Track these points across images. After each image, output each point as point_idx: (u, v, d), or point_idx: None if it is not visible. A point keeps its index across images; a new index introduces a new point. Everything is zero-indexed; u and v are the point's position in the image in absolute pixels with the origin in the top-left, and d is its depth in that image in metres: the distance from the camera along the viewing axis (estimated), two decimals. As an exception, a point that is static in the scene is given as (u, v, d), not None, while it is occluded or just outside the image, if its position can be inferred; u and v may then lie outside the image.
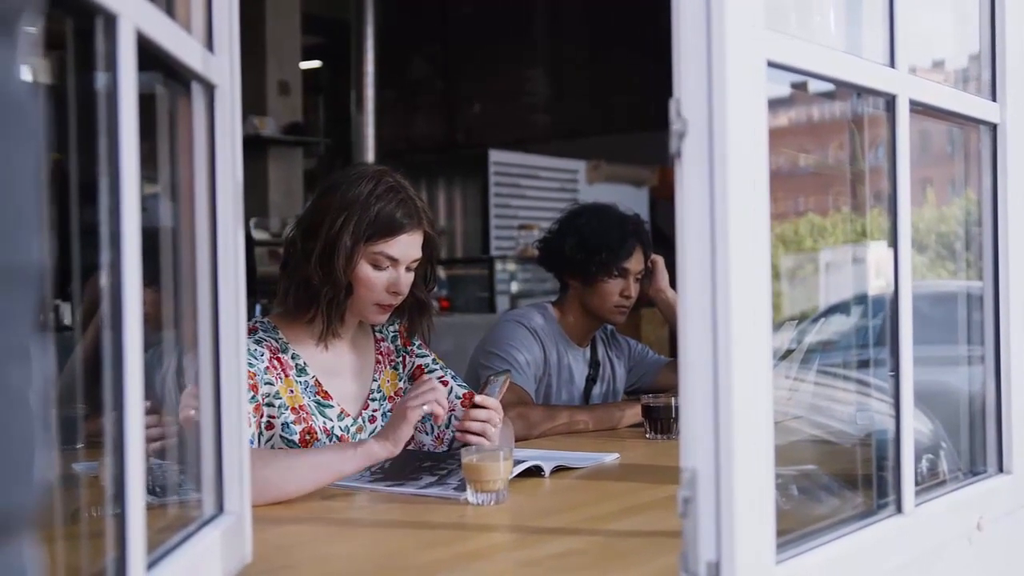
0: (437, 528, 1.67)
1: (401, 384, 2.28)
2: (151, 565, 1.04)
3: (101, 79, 0.96)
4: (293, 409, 2.08)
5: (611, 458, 2.27)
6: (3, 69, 0.51)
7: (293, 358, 2.13)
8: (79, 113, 0.98)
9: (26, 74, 0.53)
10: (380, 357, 2.27)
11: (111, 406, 0.95)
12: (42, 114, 0.55)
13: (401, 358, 2.30)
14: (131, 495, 0.97)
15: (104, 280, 0.97)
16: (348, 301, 2.12)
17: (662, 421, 2.56)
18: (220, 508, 1.32)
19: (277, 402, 2.06)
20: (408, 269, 2.13)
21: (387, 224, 2.07)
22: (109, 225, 0.95)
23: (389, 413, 2.21)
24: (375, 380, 2.24)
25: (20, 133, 0.51)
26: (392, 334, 2.31)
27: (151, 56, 1.07)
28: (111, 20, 0.95)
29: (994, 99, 1.75)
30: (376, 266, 2.10)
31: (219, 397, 1.32)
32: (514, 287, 7.39)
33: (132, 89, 0.98)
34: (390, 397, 2.25)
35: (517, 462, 1.95)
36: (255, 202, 6.89)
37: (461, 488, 1.83)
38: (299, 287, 2.11)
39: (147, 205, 1.03)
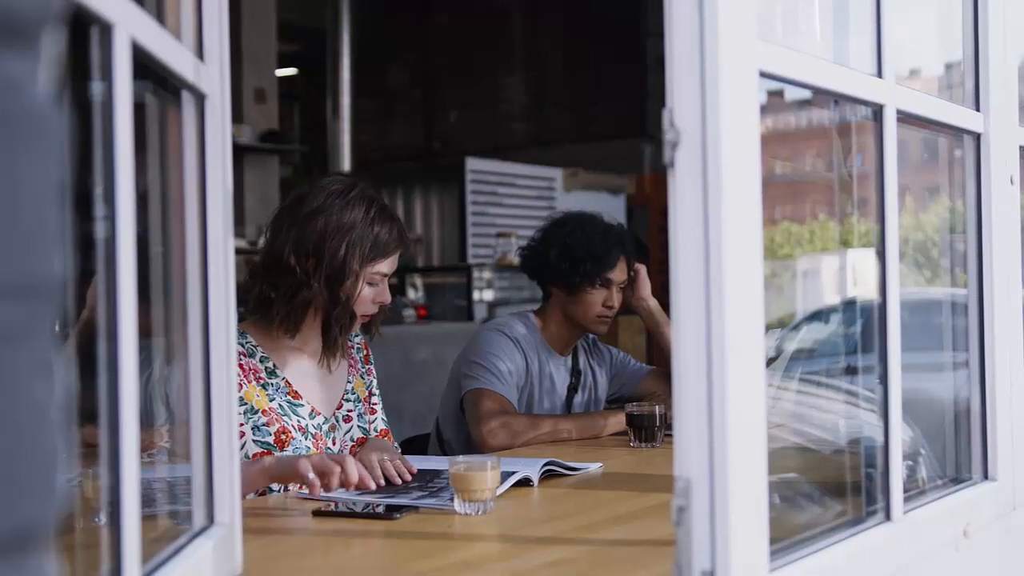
0: (426, 539, 1.66)
1: (366, 392, 2.38)
2: (145, 578, 1.03)
3: (96, 87, 0.96)
4: (264, 411, 2.13)
5: (594, 467, 2.27)
6: (26, 82, 0.50)
7: (262, 361, 2.18)
8: (71, 121, 0.97)
9: (47, 86, 0.53)
10: (352, 361, 2.37)
11: (106, 418, 0.94)
12: (64, 126, 0.54)
13: (367, 369, 2.42)
14: (126, 508, 0.96)
15: (99, 288, 0.96)
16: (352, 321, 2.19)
17: (646, 430, 2.56)
18: (211, 520, 1.31)
19: (243, 407, 2.10)
20: (389, 280, 2.26)
21: (386, 246, 2.21)
22: (105, 233, 0.94)
23: (363, 415, 2.33)
24: (349, 382, 2.33)
25: (44, 146, 0.51)
26: (357, 346, 2.40)
27: (143, 65, 1.06)
28: (107, 29, 0.94)
29: (977, 109, 1.76)
30: (371, 284, 2.21)
31: (209, 408, 1.31)
32: (492, 295, 7.37)
33: (127, 98, 0.97)
34: (363, 399, 2.35)
35: (505, 473, 1.95)
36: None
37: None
38: (300, 307, 2.16)
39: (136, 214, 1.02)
